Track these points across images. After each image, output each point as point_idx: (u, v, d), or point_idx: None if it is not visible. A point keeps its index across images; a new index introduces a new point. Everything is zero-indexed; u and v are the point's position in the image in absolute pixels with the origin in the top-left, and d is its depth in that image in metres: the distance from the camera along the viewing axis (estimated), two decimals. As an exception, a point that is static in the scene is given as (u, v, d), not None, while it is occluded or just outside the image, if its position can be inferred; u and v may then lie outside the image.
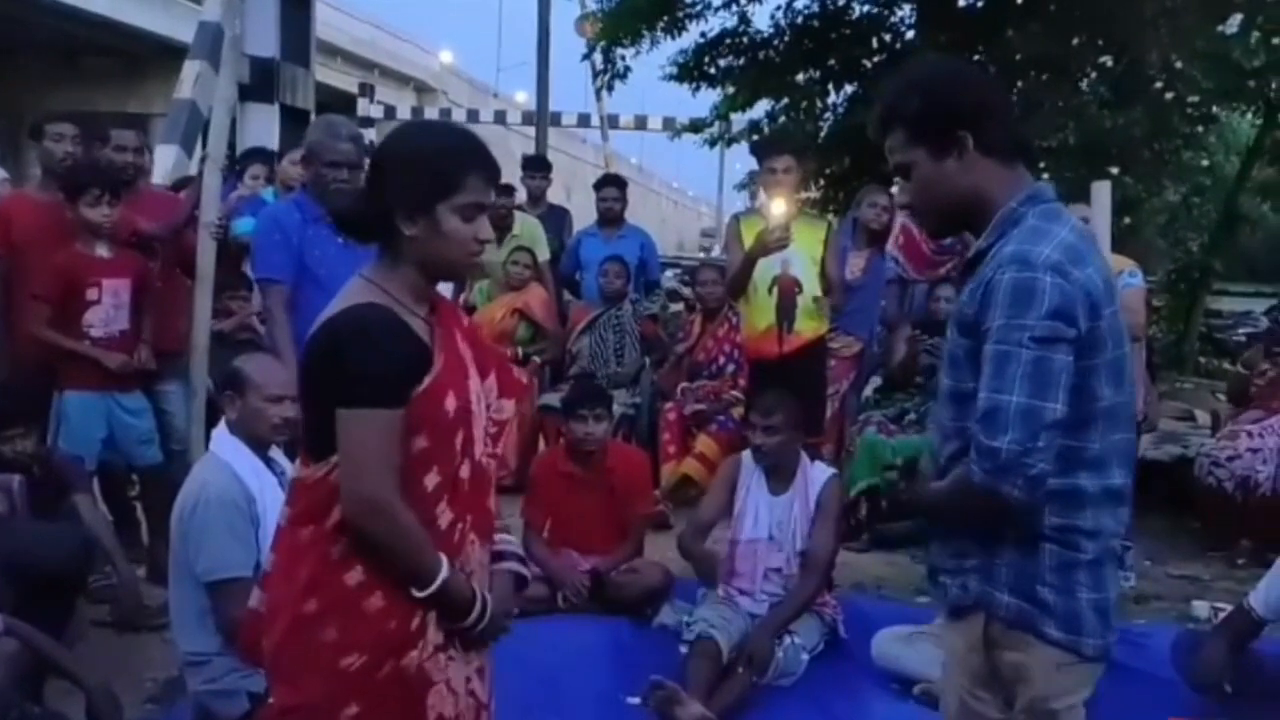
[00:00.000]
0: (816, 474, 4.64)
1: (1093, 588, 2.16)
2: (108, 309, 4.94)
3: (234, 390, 3.50)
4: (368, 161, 2.33)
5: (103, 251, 4.95)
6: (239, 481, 3.37)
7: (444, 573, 2.19)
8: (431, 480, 2.21)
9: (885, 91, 2.33)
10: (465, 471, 2.26)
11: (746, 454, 4.69)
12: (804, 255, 5.32)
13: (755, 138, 11.73)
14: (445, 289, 5.13)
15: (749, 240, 5.33)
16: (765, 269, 5.31)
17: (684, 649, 4.24)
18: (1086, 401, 2.08)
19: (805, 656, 4.31)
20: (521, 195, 8.41)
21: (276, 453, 3.51)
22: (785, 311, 5.33)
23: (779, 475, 4.58)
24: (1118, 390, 2.13)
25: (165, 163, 7.65)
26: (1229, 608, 4.66)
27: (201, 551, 3.32)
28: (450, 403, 2.21)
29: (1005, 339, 2.04)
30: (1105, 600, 2.19)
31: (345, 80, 29.75)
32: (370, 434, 2.13)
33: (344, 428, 2.14)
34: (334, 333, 2.18)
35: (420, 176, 2.20)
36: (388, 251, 2.26)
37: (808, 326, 5.43)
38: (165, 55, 24.64)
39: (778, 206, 5.19)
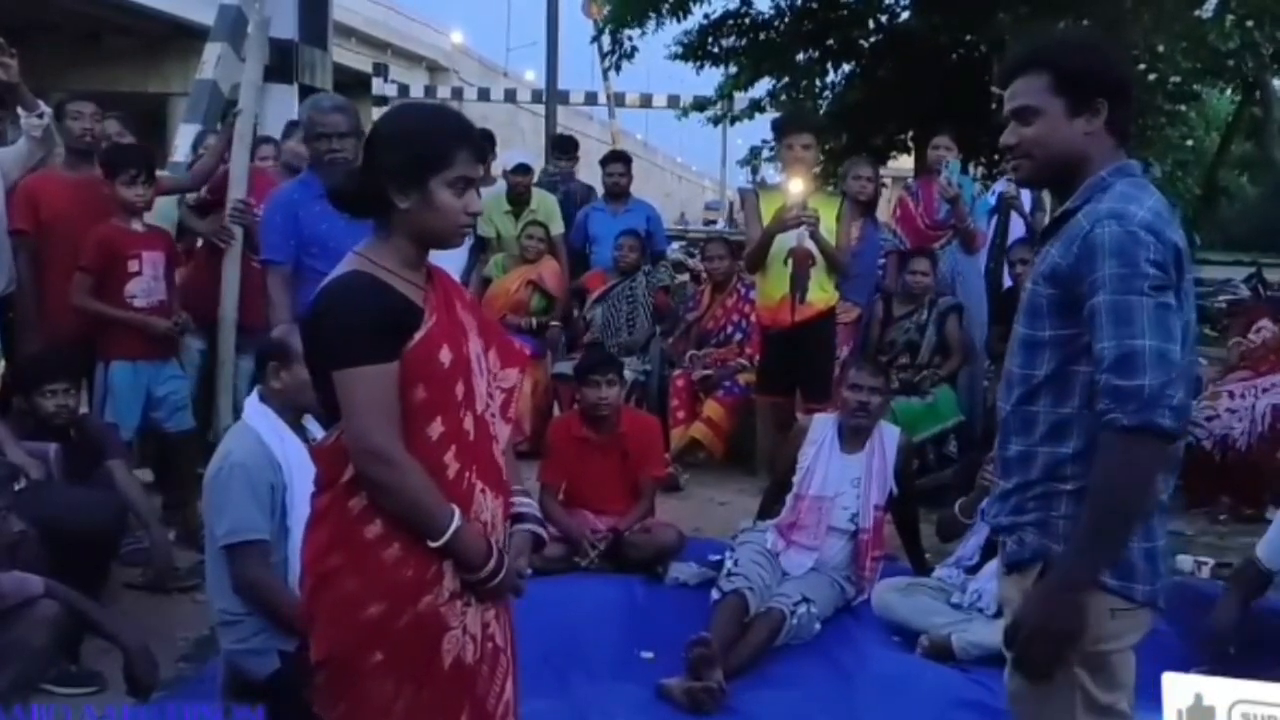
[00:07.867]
0: (889, 434, 4.77)
1: (1143, 537, 2.25)
2: (148, 280, 5.07)
3: (279, 361, 3.47)
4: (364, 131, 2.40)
5: (137, 226, 5.09)
6: (264, 448, 3.38)
7: (456, 522, 2.26)
8: (435, 430, 2.29)
9: (1040, 41, 2.45)
10: (469, 423, 2.35)
11: (821, 415, 4.87)
12: (819, 229, 5.45)
13: (775, 116, 11.92)
14: (455, 265, 5.27)
15: (768, 216, 5.47)
16: (782, 241, 5.47)
17: (715, 595, 4.38)
18: None
19: (818, 626, 4.39)
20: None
21: (311, 421, 3.47)
22: (799, 282, 5.48)
23: (856, 436, 4.69)
24: (1185, 352, 2.18)
25: (186, 142, 7.80)
26: (1211, 561, 4.85)
27: (222, 515, 3.34)
28: (445, 355, 2.30)
29: (1124, 289, 2.12)
30: (1155, 549, 2.29)
31: (359, 60, 29.73)
32: (363, 389, 2.23)
33: (341, 389, 2.25)
34: (318, 303, 2.30)
35: (413, 152, 2.29)
36: (381, 225, 2.36)
37: (818, 297, 5.59)
38: (182, 36, 24.78)
39: (795, 185, 5.32)
